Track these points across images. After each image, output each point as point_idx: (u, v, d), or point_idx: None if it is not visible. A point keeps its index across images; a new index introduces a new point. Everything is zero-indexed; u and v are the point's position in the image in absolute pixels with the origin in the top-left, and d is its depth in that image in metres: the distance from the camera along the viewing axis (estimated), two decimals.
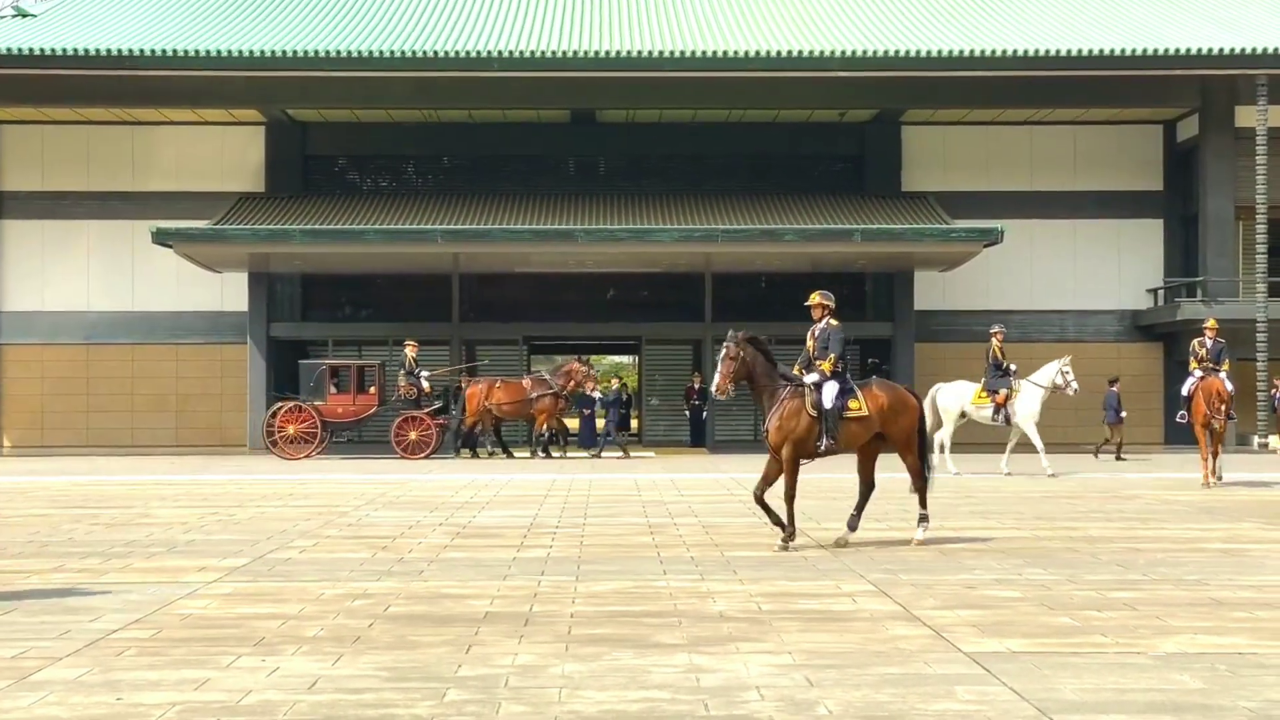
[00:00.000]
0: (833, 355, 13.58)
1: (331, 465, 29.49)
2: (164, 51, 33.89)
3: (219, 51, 33.98)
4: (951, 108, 37.31)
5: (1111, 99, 36.43)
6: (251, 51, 34.04)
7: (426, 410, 31.93)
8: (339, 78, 34.71)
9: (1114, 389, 32.00)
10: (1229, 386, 22.05)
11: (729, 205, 37.31)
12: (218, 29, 36.29)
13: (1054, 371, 24.87)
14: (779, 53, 34.35)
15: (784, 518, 13.30)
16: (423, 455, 31.32)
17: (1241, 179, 36.23)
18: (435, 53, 34.20)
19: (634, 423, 41.11)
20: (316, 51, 34.07)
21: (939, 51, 34.30)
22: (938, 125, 38.76)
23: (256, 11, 38.61)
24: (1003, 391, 25.00)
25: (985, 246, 34.45)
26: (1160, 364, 38.15)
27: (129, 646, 8.25)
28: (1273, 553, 12.96)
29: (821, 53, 34.35)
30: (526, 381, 32.27)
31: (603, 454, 32.36)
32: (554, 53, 34.31)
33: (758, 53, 34.39)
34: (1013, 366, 25.43)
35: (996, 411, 25.07)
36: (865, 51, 34.35)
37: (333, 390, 32.43)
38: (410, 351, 32.08)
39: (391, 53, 34.16)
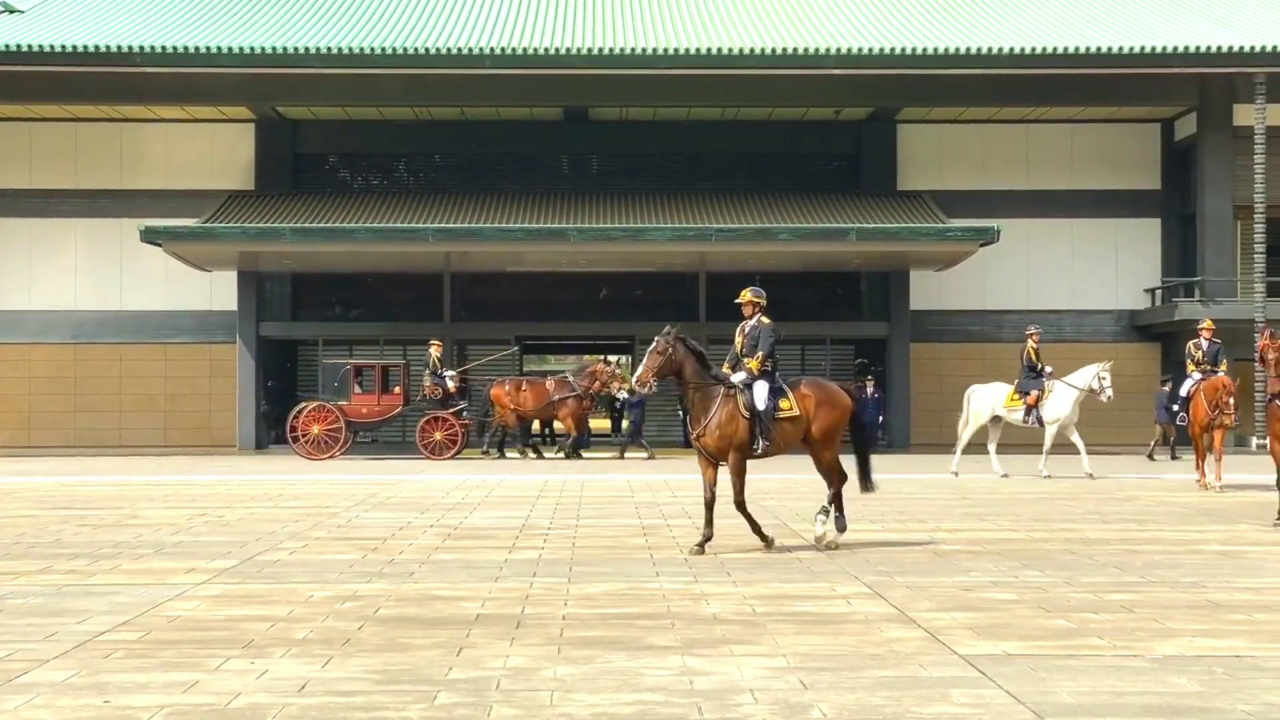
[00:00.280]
0: (760, 353, 13.31)
1: (324, 466, 29.30)
2: (153, 48, 33.70)
3: (208, 48, 33.78)
4: (948, 106, 37.20)
5: (1109, 97, 36.33)
6: (241, 48, 33.86)
7: (451, 410, 31.69)
8: (330, 74, 34.55)
9: (1165, 388, 31.83)
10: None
11: (723, 204, 37.18)
12: (207, 25, 36.09)
13: (1091, 375, 24.52)
14: (774, 50, 34.21)
15: (760, 524, 13.29)
16: (448, 456, 31.11)
17: (1240, 178, 36.10)
18: (427, 49, 34.04)
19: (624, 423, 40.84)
20: (307, 48, 33.89)
21: (935, 49, 34.15)
22: (934, 123, 38.63)
23: (246, 8, 38.37)
24: (1033, 393, 24.69)
25: (981, 246, 34.30)
26: (1158, 364, 37.94)
27: (117, 649, 8.23)
28: (1271, 555, 12.93)
29: (817, 50, 34.21)
30: (550, 382, 32.11)
31: (626, 455, 31.92)
32: (547, 49, 34.14)
33: (752, 50, 34.25)
34: (1048, 368, 25.09)
35: (1028, 413, 24.75)
36: (861, 49, 34.22)
37: (357, 390, 32.23)
38: (435, 351, 31.97)
39: (383, 49, 33.97)
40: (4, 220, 38.01)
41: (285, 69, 34.31)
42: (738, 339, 13.61)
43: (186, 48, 33.73)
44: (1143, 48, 34.28)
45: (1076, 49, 34.24)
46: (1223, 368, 22.35)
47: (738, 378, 13.29)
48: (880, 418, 35.82)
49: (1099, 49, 34.26)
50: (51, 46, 33.68)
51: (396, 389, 32.41)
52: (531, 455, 32.08)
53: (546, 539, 13.95)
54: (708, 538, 13.05)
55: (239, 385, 37.32)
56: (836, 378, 38.54)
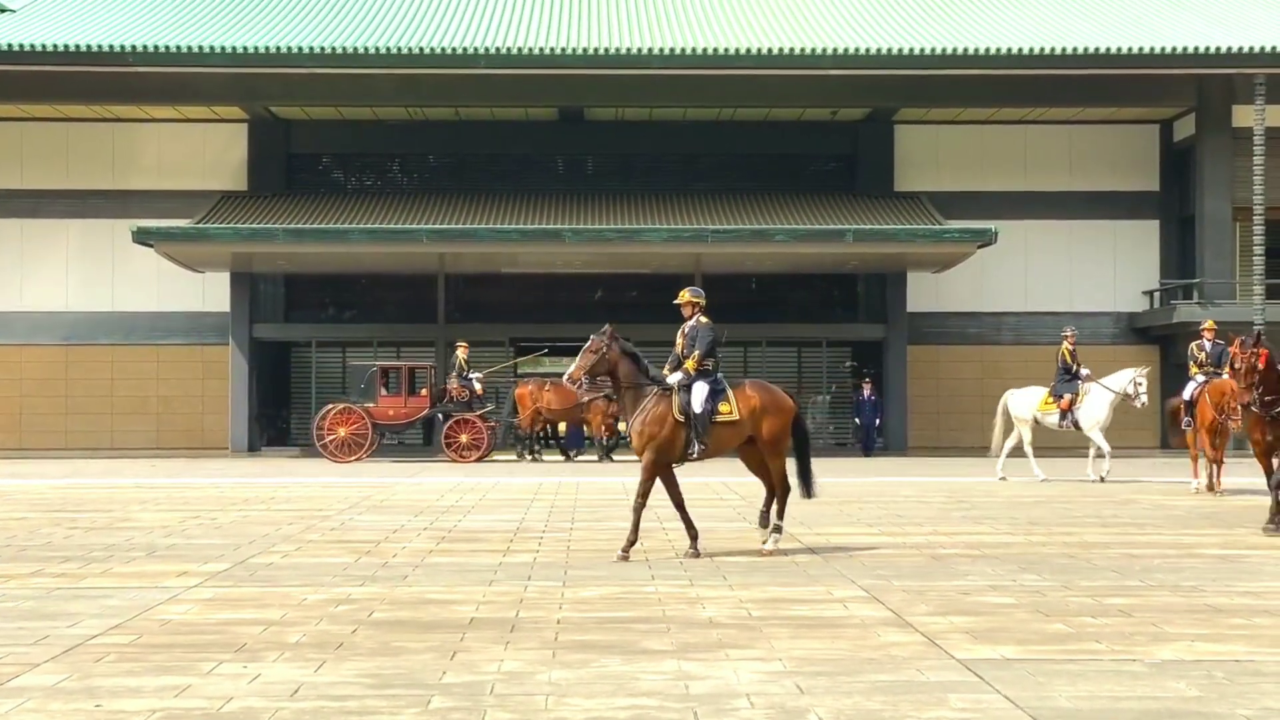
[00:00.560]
0: (697, 353, 13.05)
1: (316, 468, 29.12)
2: (145, 47, 33.55)
3: (201, 47, 33.65)
4: (945, 106, 37.09)
5: (1107, 98, 36.24)
6: (234, 47, 33.73)
7: (478, 412, 31.51)
8: (323, 74, 34.42)
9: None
10: None
11: (719, 205, 37.08)
12: (200, 24, 35.97)
13: (1128, 380, 24.25)
14: (770, 50, 34.10)
15: (692, 522, 13.05)
16: (474, 458, 30.92)
17: (1239, 179, 35.97)
18: (421, 49, 33.91)
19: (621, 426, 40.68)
20: (300, 47, 33.75)
21: (932, 49, 34.04)
22: (931, 124, 38.53)
23: (239, 7, 38.22)
24: (1067, 396, 24.41)
25: (979, 247, 34.18)
26: (1157, 367, 37.74)
27: (108, 652, 8.20)
28: (1270, 559, 12.88)
29: (813, 50, 34.10)
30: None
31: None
32: (542, 49, 34.02)
33: (748, 50, 34.13)
34: (1084, 370, 24.80)
35: (1063, 416, 24.46)
36: (858, 49, 34.13)
37: (383, 392, 32.05)
38: (461, 353, 31.84)
39: (377, 49, 33.83)
40: None
41: (278, 68, 34.20)
42: (678, 340, 13.34)
43: (179, 47, 33.59)
44: (1141, 48, 34.18)
45: (1075, 49, 34.13)
46: (1227, 369, 22.10)
47: (674, 379, 13.06)
48: (877, 420, 35.68)
49: (1097, 49, 34.14)
50: (43, 46, 33.53)
51: (423, 391, 32.26)
52: (529, 458, 31.87)
53: (541, 542, 13.87)
54: (694, 537, 12.92)
55: (231, 387, 37.14)
56: (832, 380, 38.99)
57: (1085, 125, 38.40)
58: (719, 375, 13.20)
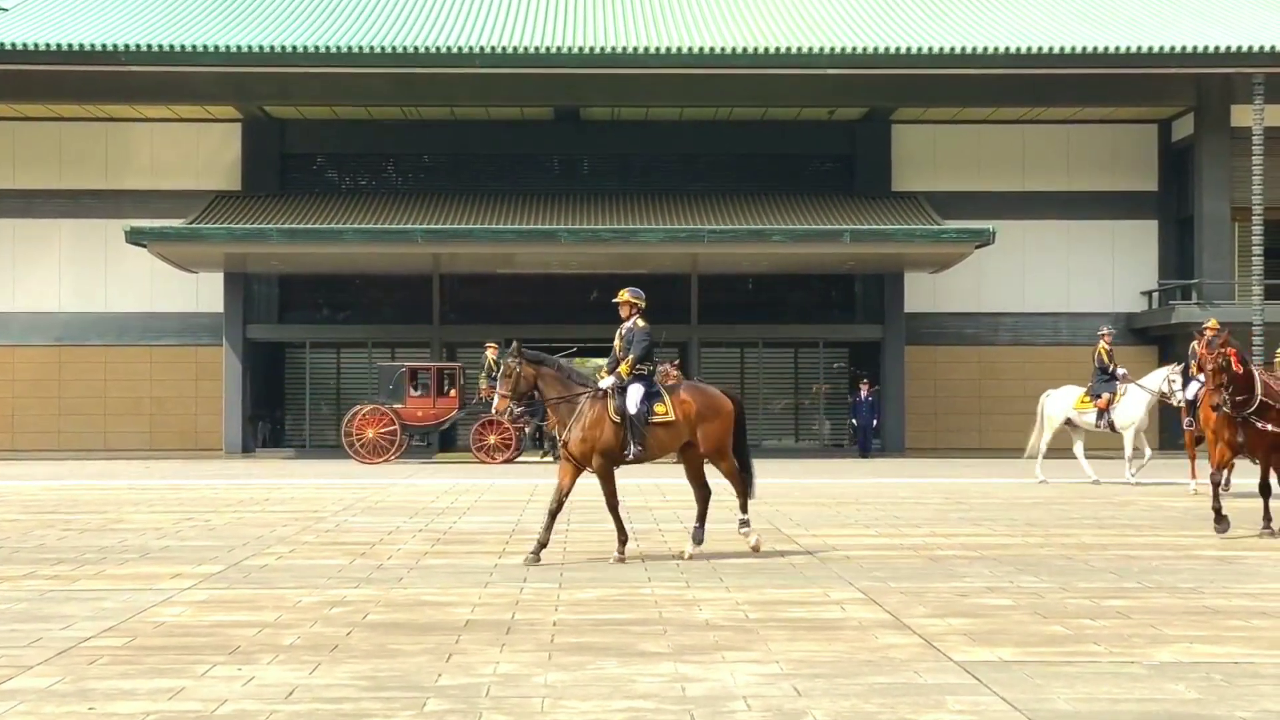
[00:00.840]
0: (633, 356, 12.91)
1: (311, 469, 29.01)
2: (138, 46, 33.39)
3: (194, 47, 33.50)
4: (943, 106, 37.00)
5: (1105, 98, 36.16)
6: (227, 47, 33.60)
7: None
8: (317, 73, 34.32)
9: None
10: None
11: (716, 205, 36.95)
12: (193, 24, 35.80)
13: (1162, 378, 24.03)
14: (767, 49, 33.98)
15: (617, 529, 12.95)
16: (502, 459, 30.79)
17: (1237, 179, 35.88)
18: (416, 48, 33.77)
19: None
20: (294, 47, 33.61)
21: (930, 49, 33.92)
22: (929, 124, 38.44)
23: (233, 6, 38.04)
24: (1104, 396, 24.16)
25: (977, 248, 34.08)
26: (1155, 368, 37.58)
27: (101, 655, 8.20)
28: (1268, 560, 12.89)
29: (810, 49, 33.98)
30: None
31: None
32: (538, 48, 33.89)
33: (745, 49, 34.02)
34: (1121, 370, 24.55)
35: (1099, 417, 24.20)
36: (855, 48, 34.01)
37: (412, 393, 31.90)
38: (490, 354, 31.70)
39: (371, 48, 33.69)
40: None
41: (272, 68, 34.07)
42: (616, 342, 13.21)
43: (172, 46, 33.44)
44: (1139, 48, 34.06)
45: (1073, 49, 34.02)
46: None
47: (607, 382, 12.93)
48: (875, 421, 35.56)
49: (1095, 49, 34.03)
50: (35, 45, 33.35)
51: (452, 392, 32.10)
52: (552, 459, 31.78)
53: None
54: (543, 544, 12.67)
55: (225, 388, 36.97)
56: (829, 382, 38.84)
57: (1083, 125, 38.31)
58: (655, 378, 13.13)
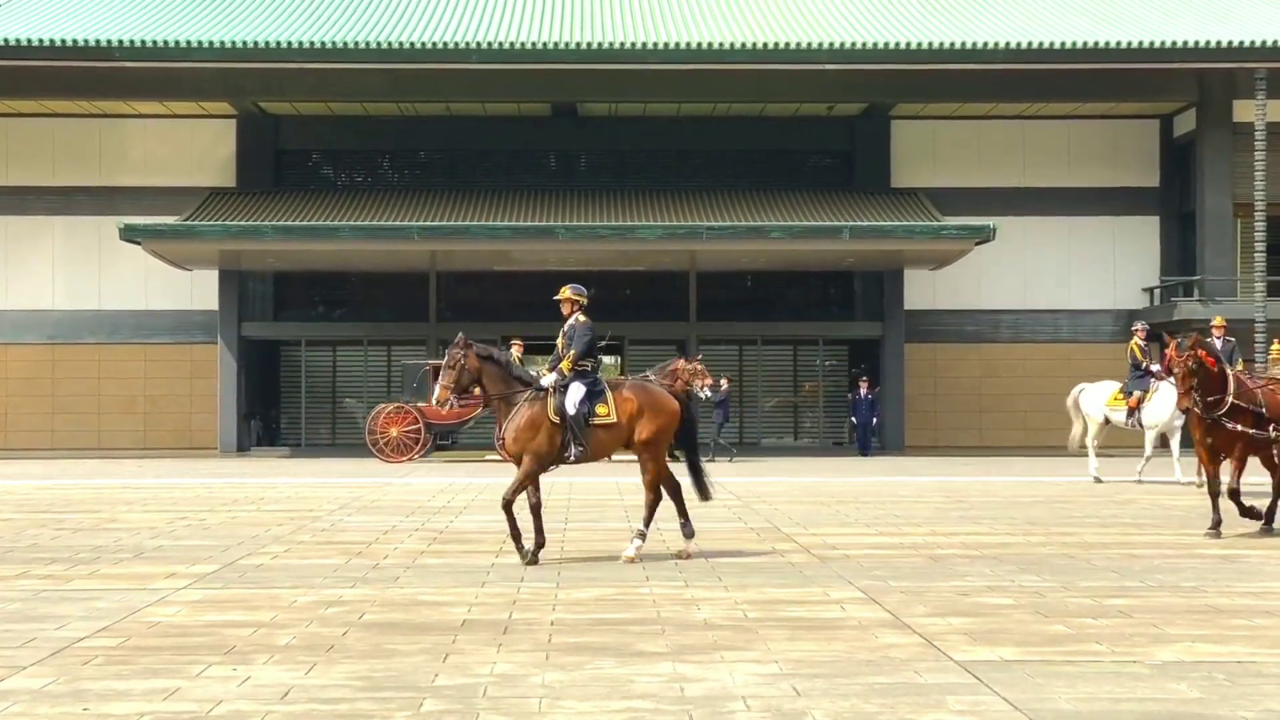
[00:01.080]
0: (574, 353, 12.68)
1: (306, 468, 28.90)
2: (131, 42, 33.19)
3: (188, 42, 33.32)
4: (943, 101, 36.82)
5: (1106, 93, 35.95)
6: (222, 42, 33.41)
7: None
8: (312, 69, 34.10)
9: None
10: None
11: (714, 202, 36.82)
12: (187, 19, 35.65)
13: None
14: (765, 45, 33.85)
15: (525, 528, 12.64)
16: None
17: (1240, 175, 35.64)
18: (411, 44, 33.59)
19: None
20: (289, 42, 33.40)
21: (930, 44, 33.77)
22: (928, 120, 38.27)
23: (227, 1, 37.80)
24: (1136, 393, 23.83)
25: (977, 244, 33.86)
26: (1155, 365, 37.46)
27: (96, 655, 8.21)
28: (1271, 559, 12.88)
29: (809, 45, 33.82)
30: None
31: (716, 458, 31.34)
32: (534, 44, 33.74)
33: (744, 45, 33.87)
34: (1154, 367, 24.21)
35: (1130, 414, 23.87)
36: (854, 44, 33.82)
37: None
38: (516, 351, 31.39)
39: (366, 44, 33.52)
40: None
41: (267, 63, 33.82)
42: (559, 340, 13.00)
43: (165, 42, 33.25)
44: (1141, 43, 33.88)
45: (1074, 44, 33.86)
46: (1240, 368, 21.65)
47: (548, 380, 12.73)
48: (874, 419, 35.40)
49: (1096, 44, 33.87)
50: (28, 40, 33.14)
51: (476, 390, 31.76)
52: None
53: (532, 541, 13.53)
54: (540, 545, 12.52)
55: (220, 386, 36.82)
56: (829, 378, 38.71)
57: (1084, 120, 38.13)
58: (598, 376, 12.89)
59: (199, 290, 37.21)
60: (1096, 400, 24.41)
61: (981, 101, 36.86)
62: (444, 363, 12.78)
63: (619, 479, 23.97)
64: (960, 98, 36.46)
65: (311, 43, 33.39)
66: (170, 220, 34.70)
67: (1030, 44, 33.77)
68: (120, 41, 33.15)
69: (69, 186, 37.55)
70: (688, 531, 12.95)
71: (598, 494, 20.48)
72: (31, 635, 8.80)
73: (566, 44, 33.74)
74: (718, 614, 9.60)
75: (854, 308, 39.15)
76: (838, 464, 30.32)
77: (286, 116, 38.11)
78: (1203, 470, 15.36)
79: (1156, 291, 37.90)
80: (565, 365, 12.67)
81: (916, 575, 11.58)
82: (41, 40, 33.14)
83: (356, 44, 33.46)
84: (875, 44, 33.78)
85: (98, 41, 33.14)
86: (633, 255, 35.26)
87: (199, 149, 37.88)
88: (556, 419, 12.53)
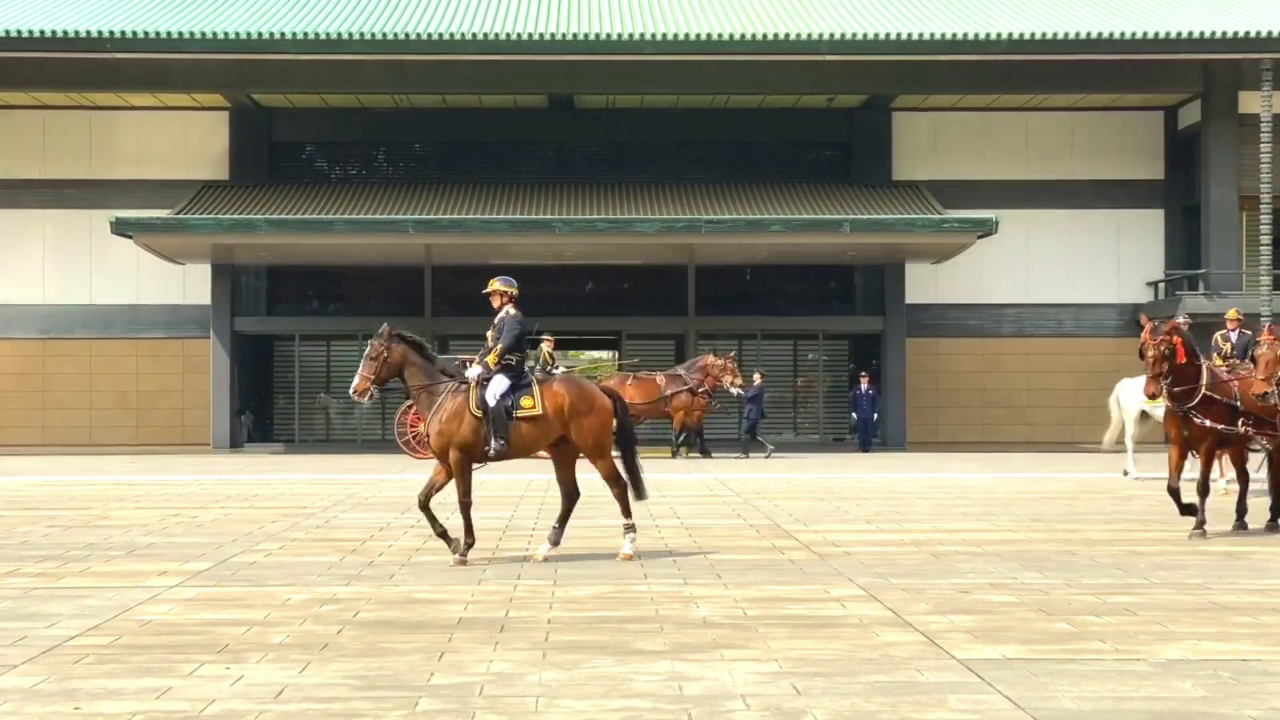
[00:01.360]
0: (500, 346, 12.45)
1: (299, 464, 28.74)
2: (124, 33, 32.93)
3: (181, 33, 33.07)
4: (944, 93, 36.57)
5: (1110, 84, 35.70)
6: (215, 33, 33.16)
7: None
8: (306, 61, 33.90)
9: None
10: None
11: (713, 195, 36.65)
12: (180, 9, 35.45)
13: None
14: (765, 35, 33.61)
15: (446, 526, 12.48)
16: None
17: (1245, 167, 35.38)
18: (407, 35, 33.35)
19: None
20: (283, 33, 33.19)
21: (931, 34, 33.52)
22: (930, 111, 38.07)
23: None
24: None
25: (979, 238, 33.71)
26: None
27: (87, 654, 8.20)
28: (1277, 556, 12.84)
29: (809, 35, 33.58)
30: (661, 378, 31.15)
31: (751, 455, 30.96)
32: (531, 35, 33.47)
33: (743, 35, 33.63)
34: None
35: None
36: (854, 34, 33.60)
37: None
38: (546, 346, 31.23)
39: (362, 34, 33.26)
40: None
41: (260, 55, 33.60)
42: (489, 334, 12.78)
43: (158, 33, 33.01)
44: (1145, 33, 33.63)
45: (1077, 34, 33.61)
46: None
47: (473, 372, 12.48)
48: (875, 415, 35.16)
49: (1100, 34, 33.61)
50: (19, 31, 32.86)
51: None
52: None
53: (531, 540, 13.63)
54: (468, 545, 12.28)
55: (213, 382, 36.62)
56: (828, 373, 38.46)
57: (1088, 112, 37.90)
58: (525, 369, 12.69)
59: (192, 284, 36.96)
60: (1134, 394, 24.04)
61: (984, 93, 36.63)
62: (366, 353, 12.54)
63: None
64: (962, 89, 36.22)
65: (306, 34, 33.17)
66: (162, 214, 34.54)
67: (1033, 34, 33.55)
68: (112, 32, 32.89)
69: (60, 179, 37.27)
70: (555, 538, 12.63)
71: (594, 491, 20.22)
72: (22, 633, 8.76)
73: (563, 35, 33.52)
74: (717, 612, 9.55)
75: (854, 302, 38.98)
76: (839, 460, 30.27)
77: (280, 109, 37.89)
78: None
79: (1161, 285, 37.69)
80: (491, 359, 12.45)
81: (918, 572, 11.53)
82: (32, 31, 32.86)
83: (351, 35, 33.22)
84: (876, 34, 33.55)
85: (89, 32, 32.88)
86: (630, 249, 35.06)
87: (192, 142, 37.64)
88: (479, 413, 12.27)
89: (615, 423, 12.77)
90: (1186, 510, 14.51)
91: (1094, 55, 34.05)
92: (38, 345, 37.18)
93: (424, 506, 12.40)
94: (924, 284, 37.45)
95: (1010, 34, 33.55)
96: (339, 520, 16.08)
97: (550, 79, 35.34)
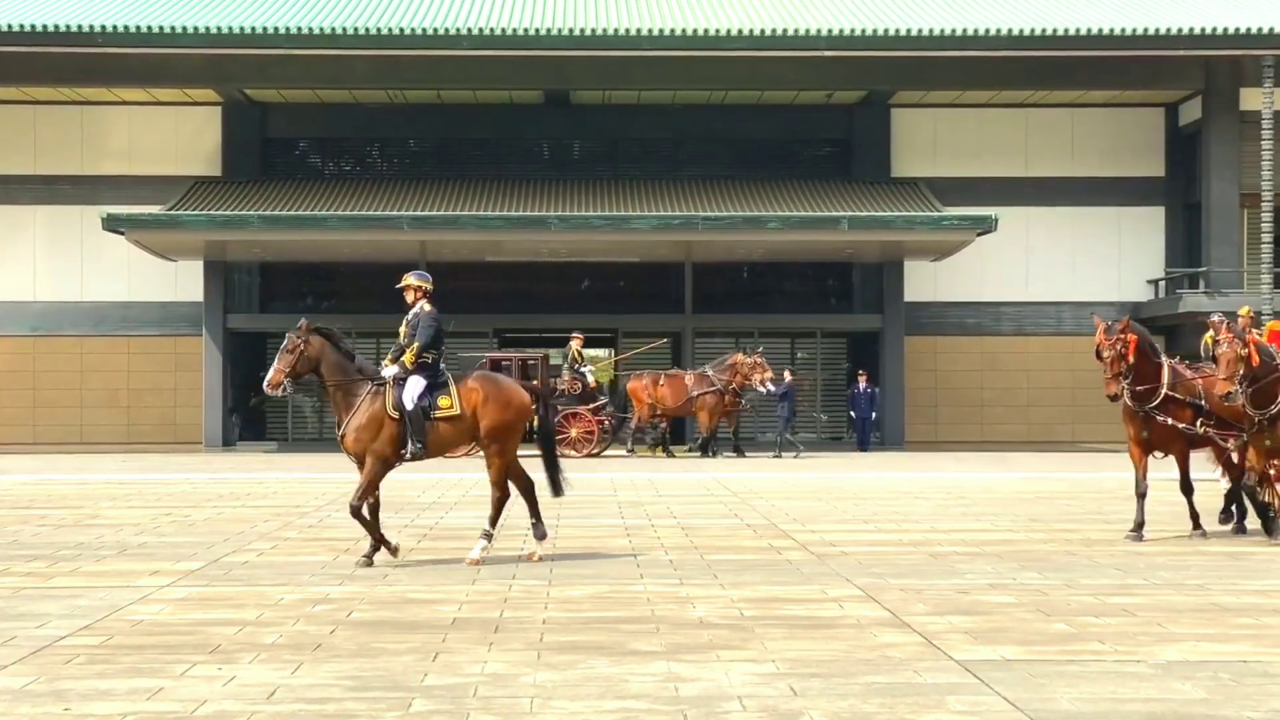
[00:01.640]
0: (417, 344, 12.16)
1: (293, 463, 28.59)
2: (115, 27, 32.81)
3: (173, 27, 32.97)
4: (944, 89, 36.52)
5: (1111, 80, 35.64)
6: (207, 27, 33.08)
7: (591, 406, 30.86)
8: (300, 55, 33.82)
9: None
10: None
11: (710, 191, 36.50)
12: (172, 3, 35.34)
13: None
14: (763, 31, 33.54)
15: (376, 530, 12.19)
16: (585, 453, 30.13)
17: (1246, 164, 35.26)
18: (401, 29, 33.26)
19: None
20: (276, 28, 33.06)
21: (930, 30, 33.45)
22: (929, 108, 37.98)
23: None
24: None
25: (979, 235, 33.58)
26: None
27: (77, 654, 8.16)
28: (1277, 557, 12.77)
29: (808, 31, 33.52)
30: (689, 377, 31.05)
31: (783, 454, 30.69)
32: (527, 30, 33.41)
33: (741, 31, 33.57)
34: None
35: None
36: (853, 30, 33.52)
37: None
38: (575, 345, 31.21)
39: (355, 29, 33.17)
40: None
41: (253, 49, 33.51)
42: (402, 329, 12.50)
43: (150, 27, 32.88)
44: (1146, 29, 33.53)
45: (1077, 31, 33.53)
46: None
47: (389, 372, 12.20)
48: (873, 414, 34.97)
49: (1100, 31, 33.54)
50: (8, 26, 32.73)
51: (535, 383, 31.42)
52: (661, 454, 31.05)
53: (525, 540, 13.31)
54: (375, 550, 12.04)
55: (205, 380, 36.47)
56: (826, 372, 38.26)
57: (1088, 109, 37.81)
58: (442, 367, 12.38)
59: (184, 281, 36.81)
60: None
61: (983, 89, 36.59)
62: (282, 346, 12.24)
63: (612, 474, 24.02)
64: (961, 85, 36.16)
65: (299, 28, 33.07)
66: (154, 210, 34.36)
67: (1032, 30, 33.46)
68: (104, 26, 32.78)
69: (51, 175, 37.17)
70: (539, 533, 12.42)
71: (590, 490, 20.16)
72: (12, 633, 8.69)
73: (560, 30, 33.45)
74: (713, 612, 9.52)
75: (853, 300, 38.86)
76: (837, 459, 30.19)
77: (274, 104, 37.80)
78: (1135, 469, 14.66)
79: (1161, 283, 37.58)
80: (408, 358, 12.19)
81: (916, 573, 11.49)
82: (22, 25, 32.73)
83: (345, 30, 33.11)
84: (875, 30, 33.47)
85: (80, 26, 32.77)
86: (627, 246, 34.98)
87: (184, 137, 37.52)
88: (395, 414, 12.03)
89: (536, 419, 12.62)
90: (1196, 521, 14.40)
91: (1094, 51, 34.01)
92: (29, 343, 37.03)
93: (356, 514, 12.11)
94: (923, 282, 37.32)
95: (1010, 30, 33.44)
96: (332, 520, 15.96)
97: (547, 75, 35.28)
